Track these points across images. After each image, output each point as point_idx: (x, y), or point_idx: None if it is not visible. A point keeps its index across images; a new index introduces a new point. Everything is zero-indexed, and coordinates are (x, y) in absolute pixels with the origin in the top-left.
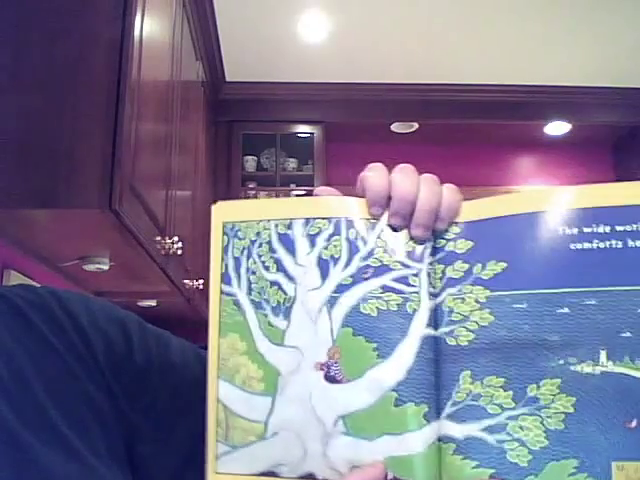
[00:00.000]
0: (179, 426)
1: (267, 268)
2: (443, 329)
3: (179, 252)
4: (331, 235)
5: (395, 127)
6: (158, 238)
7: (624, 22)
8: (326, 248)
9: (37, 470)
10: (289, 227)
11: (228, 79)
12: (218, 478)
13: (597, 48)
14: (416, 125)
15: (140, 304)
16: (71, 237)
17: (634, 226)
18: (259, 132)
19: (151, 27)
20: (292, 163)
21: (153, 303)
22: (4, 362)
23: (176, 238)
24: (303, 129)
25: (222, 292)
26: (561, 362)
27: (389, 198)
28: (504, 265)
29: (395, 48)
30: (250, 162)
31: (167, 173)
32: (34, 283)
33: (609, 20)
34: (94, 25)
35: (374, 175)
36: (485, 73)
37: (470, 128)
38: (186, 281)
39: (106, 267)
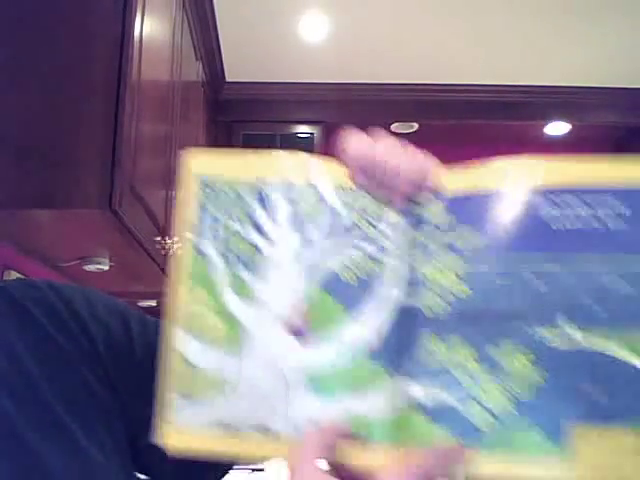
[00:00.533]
0: None
1: (242, 224)
2: (417, 297)
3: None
4: (310, 198)
5: (395, 127)
6: (158, 238)
7: (624, 22)
8: (304, 209)
9: (38, 466)
10: (267, 185)
11: (228, 79)
12: (173, 432)
13: (597, 48)
14: (416, 125)
15: (140, 304)
16: (71, 237)
17: (614, 207)
18: (259, 132)
19: (151, 27)
20: None
21: (153, 303)
22: (5, 356)
23: (176, 238)
24: (303, 129)
25: (192, 245)
26: (530, 333)
27: (370, 165)
28: (482, 238)
29: (395, 48)
30: None
31: (167, 173)
32: None
33: (609, 20)
34: (94, 25)
35: (355, 142)
36: (485, 73)
37: (470, 128)
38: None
39: (106, 267)
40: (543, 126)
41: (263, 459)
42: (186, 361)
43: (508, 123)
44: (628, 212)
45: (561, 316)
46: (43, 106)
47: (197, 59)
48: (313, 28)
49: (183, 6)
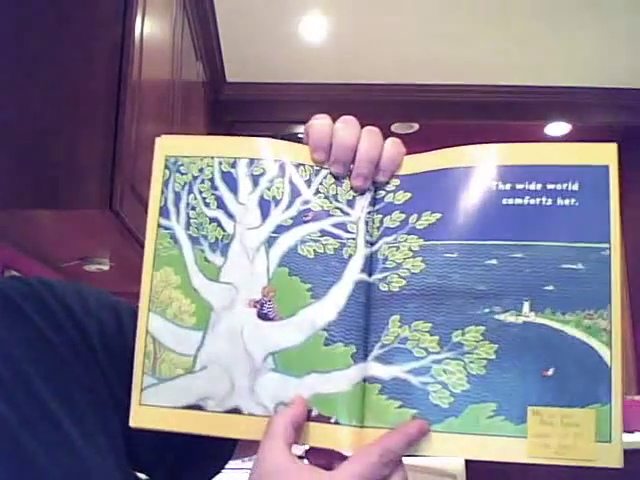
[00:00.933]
0: None
1: (207, 204)
2: (377, 275)
3: None
4: (274, 177)
5: (395, 127)
6: None
7: (624, 22)
8: (268, 189)
9: (34, 468)
10: (233, 165)
11: (228, 79)
12: (142, 410)
13: (597, 48)
14: (416, 125)
15: None
16: (71, 237)
17: (564, 185)
18: (260, 133)
19: (151, 28)
20: None
21: None
22: (0, 356)
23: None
24: (303, 129)
25: (159, 225)
26: (486, 310)
27: (328, 143)
28: (439, 216)
29: (395, 49)
30: None
31: None
32: None
33: (609, 20)
34: (95, 26)
35: (318, 123)
36: (485, 73)
37: (470, 128)
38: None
39: (106, 267)
40: (543, 126)
41: (232, 437)
42: (155, 341)
43: (508, 123)
44: (576, 187)
45: (516, 294)
46: (43, 106)
47: (197, 59)
48: (313, 28)
49: (183, 6)
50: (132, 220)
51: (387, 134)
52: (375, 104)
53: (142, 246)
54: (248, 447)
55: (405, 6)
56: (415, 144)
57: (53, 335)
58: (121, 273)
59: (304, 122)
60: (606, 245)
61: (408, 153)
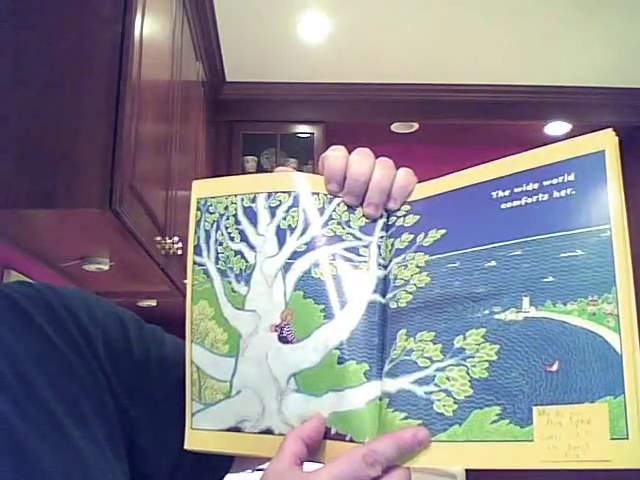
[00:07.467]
0: (175, 420)
1: (232, 239)
2: (389, 295)
3: (179, 252)
4: (290, 207)
5: (395, 127)
6: (158, 238)
7: (625, 22)
8: (284, 219)
9: (36, 469)
10: (253, 200)
11: (228, 79)
12: (193, 433)
13: (597, 48)
14: (416, 125)
15: (140, 304)
16: (71, 237)
17: (560, 178)
18: (259, 132)
19: (151, 27)
20: (292, 163)
21: (153, 303)
22: (6, 359)
23: (176, 238)
24: (303, 129)
25: (195, 263)
26: (486, 312)
27: (342, 175)
28: (443, 232)
29: (395, 48)
30: (250, 162)
31: (167, 173)
32: None
33: (610, 20)
34: (94, 25)
35: (333, 155)
36: (485, 73)
37: (470, 128)
38: (186, 281)
39: (106, 267)
40: (543, 126)
41: (268, 457)
42: (199, 370)
43: (508, 123)
44: (572, 177)
45: (515, 291)
46: (43, 106)
47: (197, 59)
48: (313, 28)
49: (183, 6)
50: (132, 220)
51: (387, 134)
52: (375, 104)
53: (142, 245)
54: (248, 461)
55: (405, 6)
56: (415, 144)
57: (59, 339)
58: (121, 273)
59: (304, 122)
60: (606, 226)
61: (408, 153)
